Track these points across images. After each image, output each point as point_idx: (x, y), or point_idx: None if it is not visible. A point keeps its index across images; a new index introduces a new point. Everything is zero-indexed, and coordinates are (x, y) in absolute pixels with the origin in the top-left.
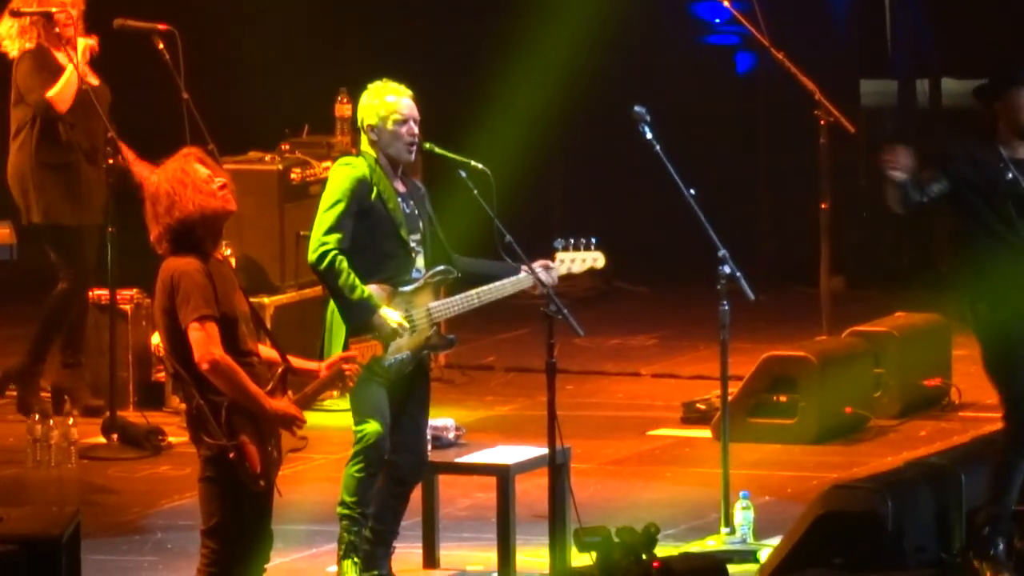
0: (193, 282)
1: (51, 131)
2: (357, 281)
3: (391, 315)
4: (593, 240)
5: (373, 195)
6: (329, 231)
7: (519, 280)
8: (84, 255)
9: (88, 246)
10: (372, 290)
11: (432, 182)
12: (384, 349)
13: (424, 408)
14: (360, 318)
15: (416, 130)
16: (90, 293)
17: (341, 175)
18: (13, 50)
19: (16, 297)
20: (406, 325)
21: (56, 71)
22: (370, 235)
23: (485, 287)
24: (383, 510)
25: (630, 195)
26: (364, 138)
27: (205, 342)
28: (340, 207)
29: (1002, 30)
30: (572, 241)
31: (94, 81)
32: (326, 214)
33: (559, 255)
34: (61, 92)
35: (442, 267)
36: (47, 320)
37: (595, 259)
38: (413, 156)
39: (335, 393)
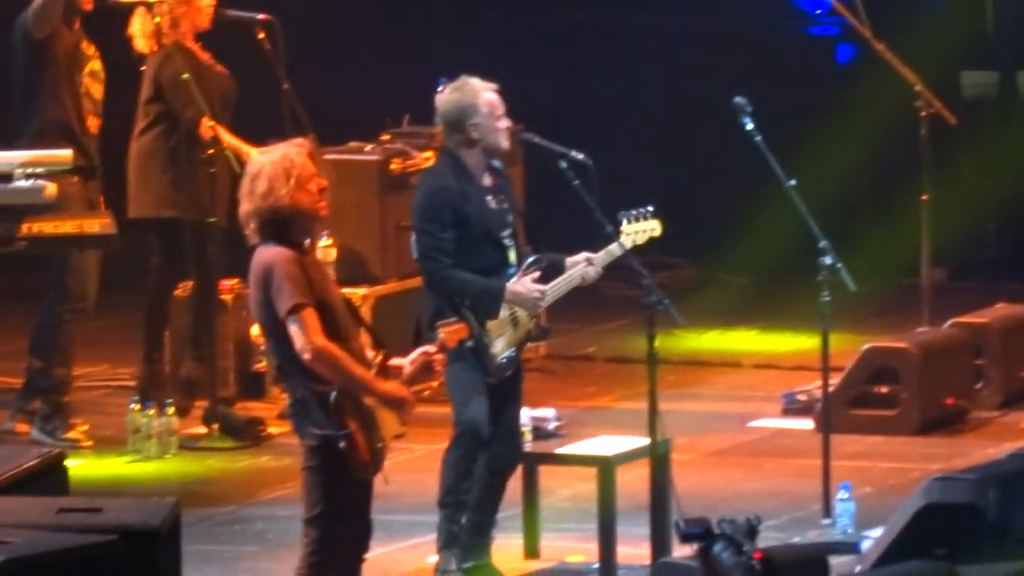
0: (285, 272)
1: (195, 133)
2: (472, 276)
3: (522, 287)
4: (650, 208)
5: (463, 204)
6: (434, 252)
7: (586, 268)
8: (188, 249)
9: (191, 240)
10: None
11: (531, 173)
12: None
13: (518, 399)
14: (494, 302)
15: (509, 123)
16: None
17: (429, 188)
18: (146, 47)
19: (118, 287)
20: (543, 288)
21: (197, 69)
22: (465, 243)
23: (563, 277)
24: (481, 500)
25: (730, 186)
26: (458, 138)
27: (305, 331)
28: (435, 224)
29: None
30: (633, 213)
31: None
32: (427, 234)
33: (624, 229)
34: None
35: (533, 257)
36: (148, 316)
37: (652, 228)
38: (508, 145)
39: (434, 384)
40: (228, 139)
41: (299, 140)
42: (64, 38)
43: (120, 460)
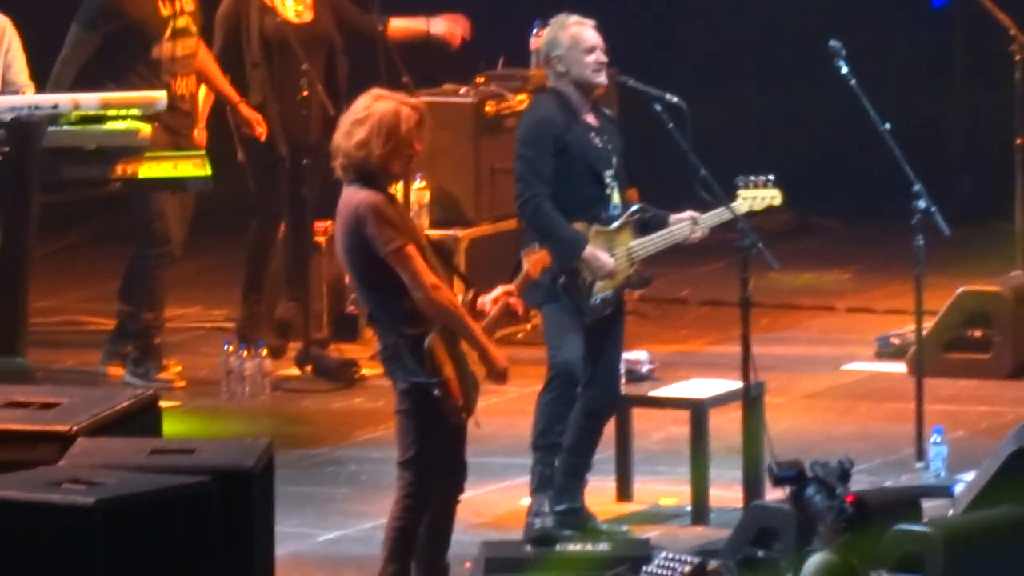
0: (381, 214)
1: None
2: (563, 221)
3: (601, 255)
4: (771, 177)
5: (565, 134)
6: (531, 175)
7: (691, 227)
8: (281, 191)
9: (286, 181)
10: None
11: (627, 117)
12: (587, 286)
13: (619, 343)
14: (571, 256)
15: (604, 58)
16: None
17: (533, 116)
18: None
19: (214, 226)
20: (618, 266)
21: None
22: (565, 174)
23: (669, 230)
24: (576, 443)
25: (824, 129)
26: (552, 72)
27: (415, 270)
28: (537, 150)
29: None
30: (752, 179)
31: (308, 17)
32: (525, 159)
33: (741, 193)
34: None
35: (637, 206)
36: (250, 259)
37: (773, 197)
38: (604, 80)
39: (527, 326)
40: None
41: (416, 100)
42: (133, 13)
43: (213, 401)
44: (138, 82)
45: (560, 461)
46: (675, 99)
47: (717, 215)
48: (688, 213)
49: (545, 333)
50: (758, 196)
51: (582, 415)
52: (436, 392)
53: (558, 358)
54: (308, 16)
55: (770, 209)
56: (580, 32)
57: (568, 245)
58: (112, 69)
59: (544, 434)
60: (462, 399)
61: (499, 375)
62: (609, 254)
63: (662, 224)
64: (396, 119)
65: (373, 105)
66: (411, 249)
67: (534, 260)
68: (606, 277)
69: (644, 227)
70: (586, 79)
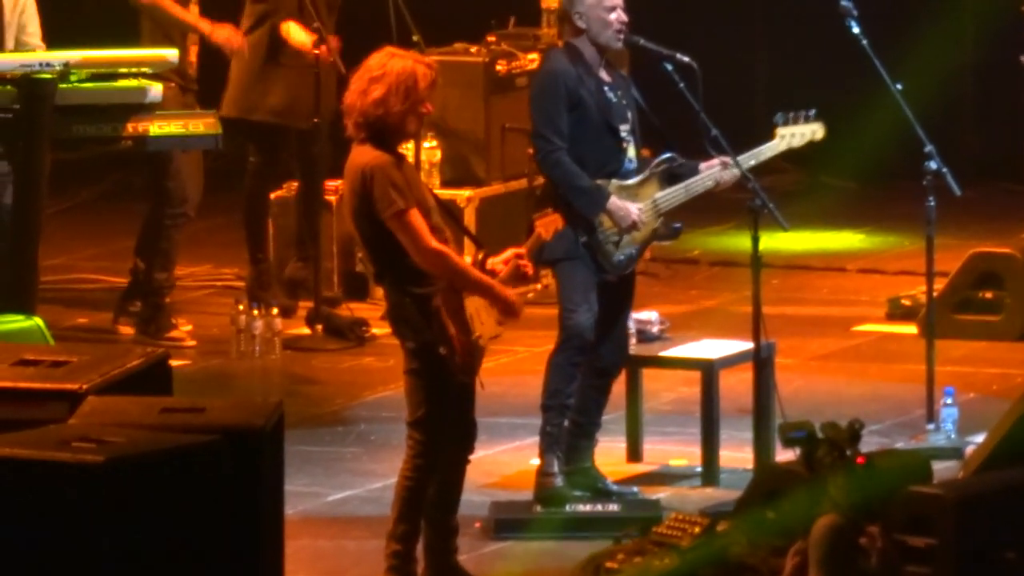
0: (386, 176)
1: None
2: (584, 173)
3: (625, 204)
4: (811, 112)
5: (579, 87)
6: (548, 129)
7: (721, 172)
8: (285, 152)
9: (294, 142)
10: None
11: (638, 76)
12: (612, 242)
13: (629, 301)
14: (595, 206)
15: (625, 17)
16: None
17: (547, 70)
18: None
19: (224, 185)
20: (643, 217)
21: None
22: (581, 128)
23: (695, 178)
24: (585, 402)
25: (836, 90)
26: (567, 28)
27: (415, 234)
28: (553, 103)
29: None
30: (792, 114)
31: None
32: (541, 113)
33: (779, 131)
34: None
35: (667, 155)
36: (247, 218)
37: (814, 131)
38: (621, 43)
39: (537, 286)
40: (298, 36)
41: (430, 60)
42: None
43: (223, 360)
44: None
45: (569, 421)
46: (686, 59)
47: (758, 154)
48: (718, 159)
49: (560, 292)
50: (797, 132)
51: (591, 373)
52: (443, 351)
53: (572, 319)
54: None
55: (810, 144)
56: None
57: (591, 196)
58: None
59: (554, 395)
60: (465, 359)
61: (511, 310)
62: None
63: (692, 174)
64: (413, 77)
65: (389, 63)
66: (411, 213)
67: (546, 223)
68: (631, 228)
69: (673, 178)
70: (604, 40)
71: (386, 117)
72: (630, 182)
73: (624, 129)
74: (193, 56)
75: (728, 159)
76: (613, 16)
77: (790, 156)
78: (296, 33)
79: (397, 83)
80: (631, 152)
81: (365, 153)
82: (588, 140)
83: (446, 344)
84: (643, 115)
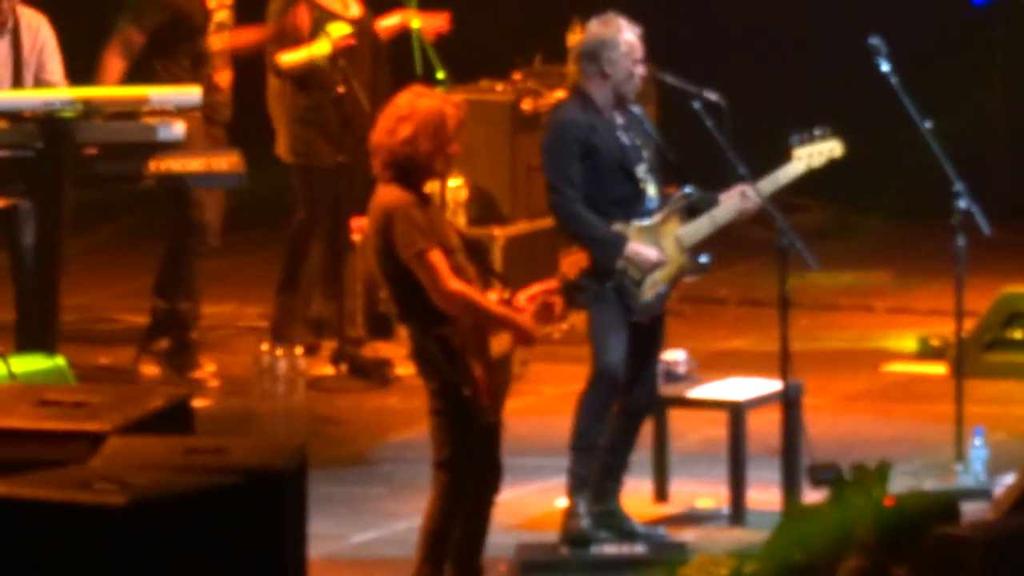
0: (409, 216)
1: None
2: (600, 222)
3: (644, 249)
4: (826, 129)
5: (591, 136)
6: (560, 181)
7: (742, 200)
8: (329, 192)
9: (336, 184)
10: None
11: (663, 112)
12: (637, 284)
13: (659, 342)
14: (613, 255)
15: (643, 68)
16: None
17: (557, 122)
18: None
19: (246, 224)
20: (663, 258)
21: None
22: (596, 175)
23: (718, 209)
24: (614, 442)
25: (864, 127)
26: (590, 69)
27: (436, 274)
28: (564, 155)
29: None
30: (807, 134)
31: (356, 11)
32: (553, 165)
33: (796, 152)
34: (295, 65)
35: (684, 191)
36: (288, 252)
37: (831, 149)
38: (634, 93)
39: (563, 325)
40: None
41: (458, 99)
42: (180, 5)
43: (246, 400)
44: (183, 76)
45: (598, 461)
46: (714, 96)
47: (775, 180)
48: (738, 188)
49: (592, 333)
50: (815, 152)
51: (620, 414)
52: (467, 392)
53: (604, 359)
54: (355, 11)
55: (830, 162)
56: (635, 42)
57: (608, 245)
58: (159, 63)
59: (584, 435)
60: (490, 400)
61: (526, 339)
62: (656, 247)
63: (712, 206)
64: (441, 115)
65: (417, 102)
66: (433, 254)
67: (570, 262)
68: (653, 269)
69: (693, 212)
70: (626, 90)
71: (414, 156)
72: (649, 222)
73: (641, 170)
74: (224, 83)
75: (746, 187)
76: (638, 69)
77: (816, 193)
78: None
79: (425, 121)
80: (651, 191)
81: (390, 193)
82: (606, 186)
83: (470, 385)
84: (659, 150)
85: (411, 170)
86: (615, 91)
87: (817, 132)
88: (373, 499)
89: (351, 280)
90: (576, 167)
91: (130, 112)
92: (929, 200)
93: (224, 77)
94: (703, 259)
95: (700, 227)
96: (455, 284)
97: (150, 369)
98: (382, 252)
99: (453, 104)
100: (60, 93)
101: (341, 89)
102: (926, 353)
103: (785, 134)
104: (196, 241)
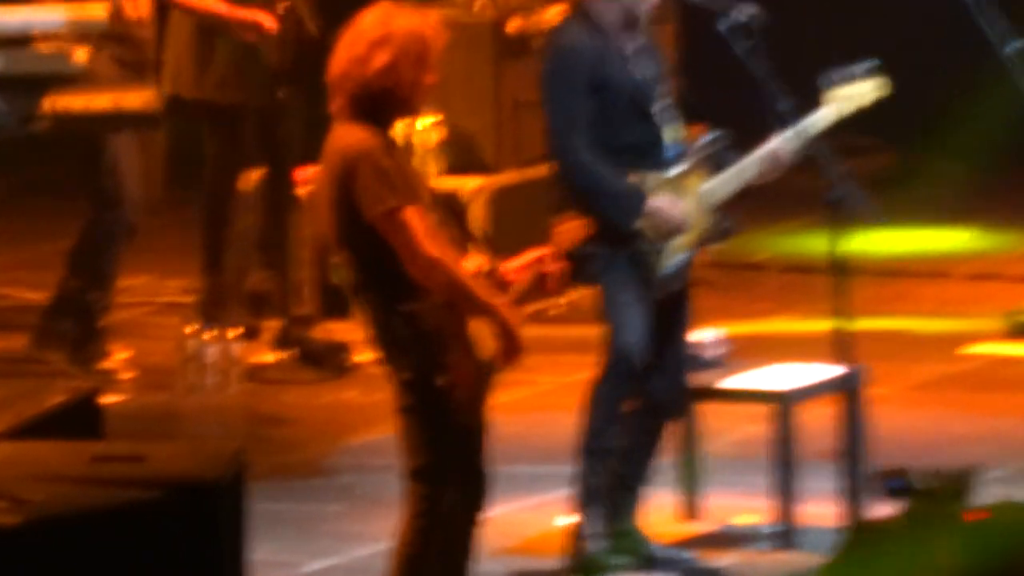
0: (377, 165)
1: None
2: (612, 173)
3: (667, 205)
4: (867, 65)
5: (603, 65)
6: (564, 126)
7: (776, 148)
8: (244, 138)
9: (250, 127)
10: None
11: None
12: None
13: (684, 321)
14: (631, 213)
15: None
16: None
17: (561, 47)
18: None
19: (168, 178)
20: (685, 221)
21: None
22: (606, 116)
23: (746, 160)
24: (631, 447)
25: (941, 53)
26: None
27: (411, 237)
28: (569, 90)
29: None
30: (842, 73)
31: None
32: (555, 103)
33: (828, 94)
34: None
35: (712, 136)
36: (206, 218)
37: (872, 90)
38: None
39: (561, 300)
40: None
41: (438, 14)
42: None
43: (168, 396)
44: None
45: (609, 470)
46: (746, 14)
47: (804, 130)
48: (777, 136)
49: (604, 311)
50: (853, 93)
51: (640, 412)
52: (439, 381)
53: (621, 340)
54: None
55: (906, 120)
56: None
57: (624, 201)
58: None
59: (596, 436)
60: (471, 393)
61: (514, 350)
62: (679, 204)
63: (742, 156)
64: (423, 39)
65: (392, 22)
66: (408, 212)
67: (565, 231)
68: (677, 231)
69: (721, 164)
70: (640, 10)
71: (396, 89)
72: (671, 173)
73: (657, 109)
74: (141, 12)
75: (780, 135)
76: None
77: (883, 131)
78: None
79: (406, 46)
80: (668, 135)
81: (352, 134)
82: (615, 129)
83: (446, 374)
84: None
85: (385, 106)
86: (626, 11)
87: (854, 69)
88: (329, 518)
89: (297, 245)
90: (583, 105)
91: (19, 38)
92: (1020, 143)
93: (134, 5)
94: (727, 224)
95: (727, 182)
96: (434, 248)
97: (51, 355)
98: (340, 209)
99: (432, 25)
100: None
101: (285, 3)
102: (1016, 331)
103: (839, 67)
104: (111, 217)
